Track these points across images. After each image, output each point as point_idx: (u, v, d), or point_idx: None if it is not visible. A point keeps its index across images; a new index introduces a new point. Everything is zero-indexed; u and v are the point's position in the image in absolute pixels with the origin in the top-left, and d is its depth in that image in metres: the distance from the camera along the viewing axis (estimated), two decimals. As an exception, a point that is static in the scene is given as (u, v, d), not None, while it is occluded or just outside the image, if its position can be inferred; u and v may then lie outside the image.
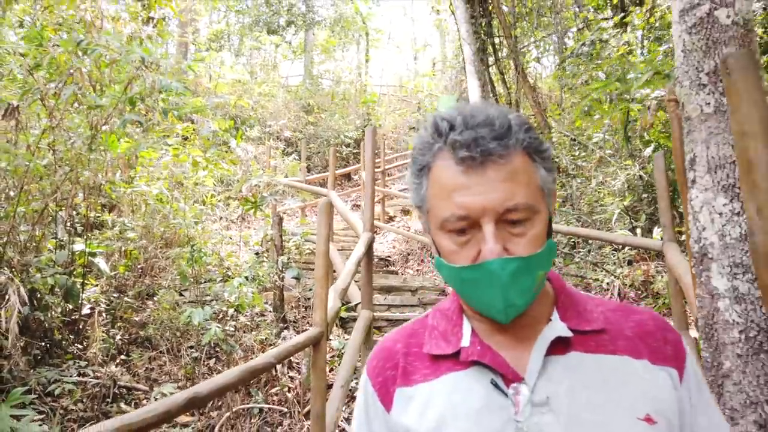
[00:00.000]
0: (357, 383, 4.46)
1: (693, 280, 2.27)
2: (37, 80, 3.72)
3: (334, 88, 19.68)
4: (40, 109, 3.99)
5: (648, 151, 6.69)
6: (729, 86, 1.66)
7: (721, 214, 2.00)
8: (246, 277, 4.93)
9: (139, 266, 6.12)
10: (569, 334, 0.78)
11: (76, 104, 3.77)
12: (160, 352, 5.30)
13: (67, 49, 3.22)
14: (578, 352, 0.78)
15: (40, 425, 3.39)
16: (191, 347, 5.36)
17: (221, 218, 9.55)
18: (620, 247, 6.37)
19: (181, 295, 5.91)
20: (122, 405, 4.51)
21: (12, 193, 3.79)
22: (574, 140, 10.32)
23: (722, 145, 1.94)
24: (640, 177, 6.90)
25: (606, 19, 10.15)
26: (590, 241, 6.94)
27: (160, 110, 4.47)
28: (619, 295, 5.84)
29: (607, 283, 6.01)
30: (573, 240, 7.33)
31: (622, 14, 7.91)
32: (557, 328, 0.79)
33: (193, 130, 6.81)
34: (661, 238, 4.06)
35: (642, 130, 6.17)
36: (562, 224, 7.00)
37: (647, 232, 6.48)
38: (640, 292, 5.69)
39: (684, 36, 2.07)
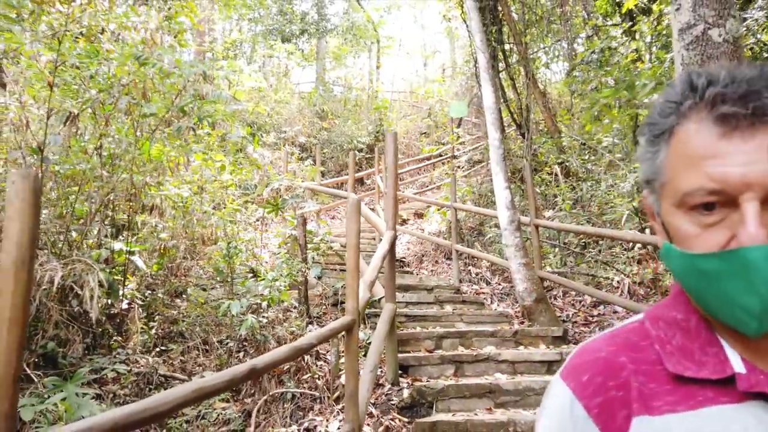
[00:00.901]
0: (384, 370, 4.77)
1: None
2: (90, 91, 4.08)
3: (347, 94, 20.07)
4: (90, 117, 4.34)
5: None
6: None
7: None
8: (280, 274, 5.26)
9: (169, 265, 6.47)
10: None
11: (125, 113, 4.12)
12: (193, 346, 5.63)
13: (124, 62, 3.56)
14: None
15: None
16: (220, 341, 5.69)
17: (241, 221, 9.91)
18: (630, 246, 6.65)
19: (204, 290, 6.25)
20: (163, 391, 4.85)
21: (67, 194, 4.14)
22: (584, 144, 10.61)
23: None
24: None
25: (615, 25, 10.45)
26: (601, 242, 7.21)
27: (196, 117, 4.81)
28: (629, 292, 6.11)
29: (618, 281, 6.28)
30: (584, 240, 7.60)
31: (631, 23, 8.20)
32: None
33: (220, 135, 7.16)
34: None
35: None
36: (573, 224, 7.27)
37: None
38: (649, 289, 5.96)
39: (682, 51, 2.38)
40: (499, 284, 7.77)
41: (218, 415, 4.57)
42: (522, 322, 6.04)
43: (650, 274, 5.93)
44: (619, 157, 8.73)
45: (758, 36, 6.89)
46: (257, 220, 10.33)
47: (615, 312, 5.98)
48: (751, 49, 6.80)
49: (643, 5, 8.06)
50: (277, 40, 19.05)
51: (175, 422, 4.45)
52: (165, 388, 4.97)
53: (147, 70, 3.65)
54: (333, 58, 22.13)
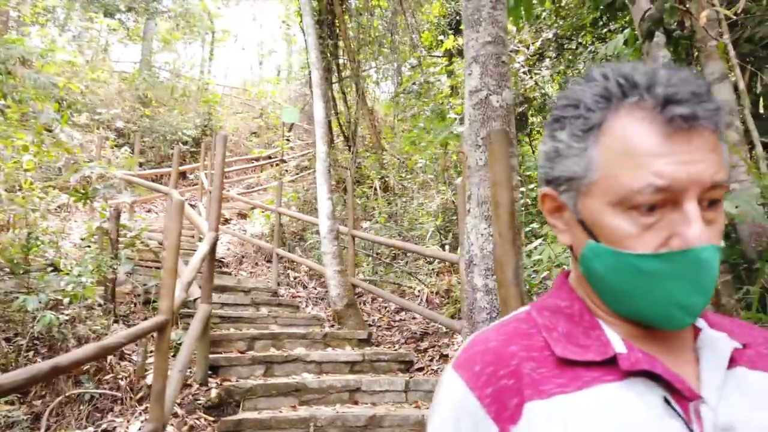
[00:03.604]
0: (193, 370, 4.81)
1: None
2: None
3: (174, 82, 19.09)
4: None
5: (459, 180, 7.95)
6: (491, 150, 2.51)
7: (482, 234, 2.88)
8: (86, 269, 4.99)
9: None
10: (740, 345, 0.68)
11: None
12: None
13: None
14: (744, 368, 0.67)
15: None
16: (7, 339, 5.20)
17: (41, 208, 8.99)
18: (431, 260, 7.48)
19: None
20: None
21: None
22: (403, 163, 11.53)
23: (487, 188, 2.82)
24: (453, 201, 8.14)
25: (437, 57, 11.58)
26: (408, 254, 7.97)
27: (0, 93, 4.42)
28: (426, 300, 6.88)
29: (419, 291, 7.04)
30: (394, 252, 8.32)
31: (448, 62, 9.21)
32: (720, 338, 0.68)
33: (25, 113, 6.52)
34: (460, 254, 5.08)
35: (442, 170, 7.37)
36: (386, 237, 7.94)
37: (454, 248, 7.68)
38: (443, 298, 6.79)
39: (470, 110, 2.96)
40: (315, 289, 8.15)
41: (1, 419, 4.21)
42: (333, 326, 6.46)
43: (445, 285, 6.76)
44: (431, 177, 9.71)
45: (544, 89, 8.26)
46: (58, 208, 9.45)
47: (414, 318, 6.70)
48: (537, 99, 8.13)
49: (459, 47, 9.11)
50: (99, 13, 17.45)
51: (-55, 428, 4.01)
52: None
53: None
54: (162, 41, 20.88)
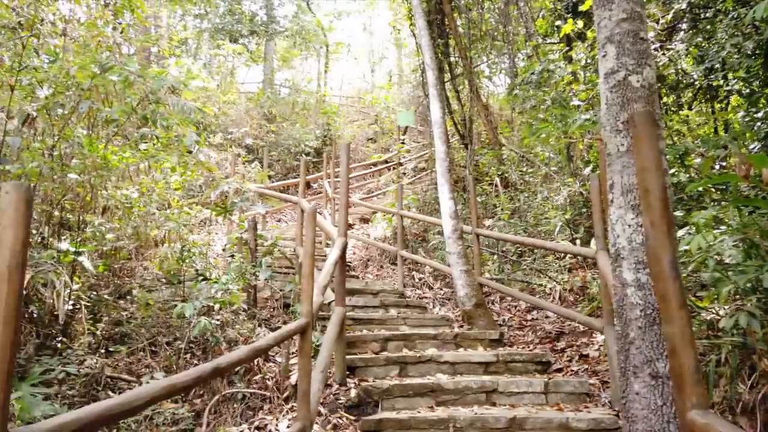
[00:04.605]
0: (332, 371, 5.00)
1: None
2: (42, 91, 4.10)
3: (294, 97, 20.11)
4: (45, 118, 4.35)
5: (587, 170, 7.52)
6: (635, 134, 2.33)
7: (630, 225, 2.68)
8: (232, 277, 5.38)
9: (113, 266, 6.44)
10: None
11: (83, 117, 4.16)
12: (139, 347, 5.65)
13: (86, 68, 3.62)
14: None
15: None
16: (168, 342, 5.75)
17: (188, 224, 9.86)
18: (562, 255, 7.15)
19: (150, 292, 6.27)
20: (110, 393, 4.87)
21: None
22: (523, 157, 11.18)
23: (631, 176, 2.62)
24: (581, 193, 7.73)
25: (554, 43, 11.10)
26: (536, 250, 7.70)
27: (150, 118, 4.89)
28: (559, 298, 6.59)
29: (550, 288, 6.75)
30: (521, 249, 8.07)
31: (568, 47, 8.78)
32: None
33: (171, 138, 7.18)
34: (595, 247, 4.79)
35: (568, 161, 6.98)
36: (510, 234, 7.72)
37: (586, 243, 7.29)
38: (578, 296, 6.46)
39: (607, 93, 2.77)
40: (441, 289, 8.13)
41: (169, 416, 4.65)
42: (462, 326, 6.40)
43: (579, 282, 6.43)
44: (554, 170, 9.31)
45: (678, 65, 7.58)
46: (201, 222, 10.31)
47: (547, 317, 6.44)
48: (671, 77, 7.48)
49: (579, 31, 8.65)
50: (225, 40, 18.87)
51: (124, 423, 4.50)
52: (112, 389, 4.99)
53: (110, 75, 3.71)
54: (281, 59, 22.10)
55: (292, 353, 5.20)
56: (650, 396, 2.50)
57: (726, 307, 3.68)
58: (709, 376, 3.24)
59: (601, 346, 5.16)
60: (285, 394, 4.83)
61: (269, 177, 14.22)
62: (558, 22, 9.68)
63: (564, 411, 4.09)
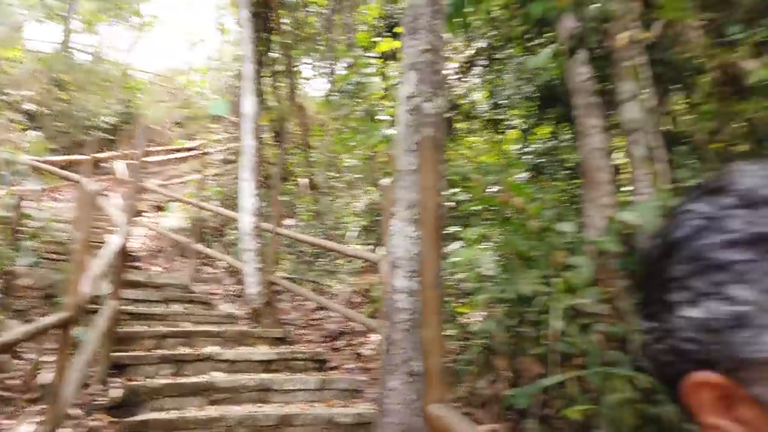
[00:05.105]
0: (96, 369, 4.54)
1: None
2: None
3: (95, 65, 18.06)
4: None
5: (386, 181, 7.98)
6: (422, 157, 2.52)
7: (409, 237, 2.90)
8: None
9: None
10: None
11: None
12: None
13: None
14: None
15: None
16: None
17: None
18: (353, 259, 7.46)
19: None
20: None
21: None
22: (331, 162, 11.47)
23: (416, 192, 2.85)
24: (378, 203, 8.16)
25: (372, 57, 11.59)
26: (330, 253, 7.92)
27: None
28: (347, 300, 6.86)
29: (339, 290, 7.00)
30: (317, 250, 8.24)
31: (382, 65, 9.25)
32: None
33: None
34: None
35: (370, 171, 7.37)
36: (309, 235, 7.85)
37: (379, 249, 7.71)
38: (363, 298, 6.79)
39: (404, 115, 2.99)
40: (232, 286, 7.93)
41: None
42: (248, 324, 6.30)
43: (366, 285, 6.77)
44: (358, 177, 9.70)
45: (472, 97, 8.44)
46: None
47: (331, 317, 6.65)
48: (465, 106, 8.31)
49: (394, 50, 9.16)
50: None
51: None
52: None
53: None
54: (85, 22, 19.70)
55: (48, 350, 4.62)
56: (405, 392, 2.72)
57: (481, 313, 4.17)
58: (459, 374, 3.63)
59: (375, 345, 5.48)
60: (33, 395, 4.25)
61: (51, 150, 12.53)
62: (377, 38, 10.15)
63: (334, 407, 4.25)
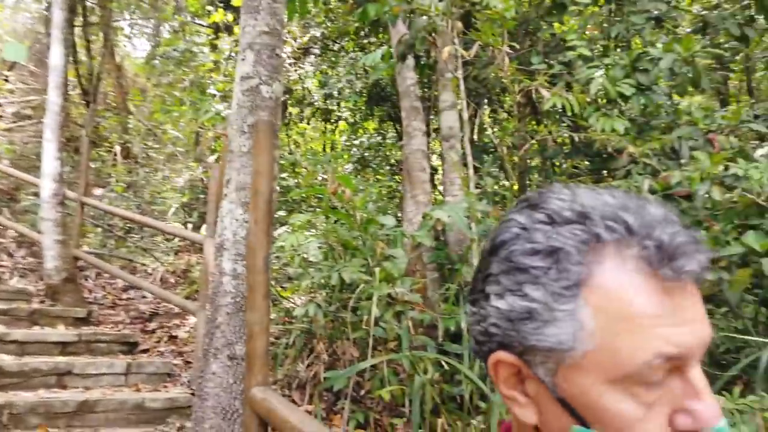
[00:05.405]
0: None
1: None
2: None
3: None
4: None
5: (212, 159, 7.72)
6: (256, 140, 2.55)
7: (237, 220, 2.91)
8: None
9: None
10: None
11: None
12: None
13: None
14: None
15: None
16: None
17: None
18: (171, 237, 7.12)
19: None
20: None
21: None
22: (150, 130, 10.69)
23: (247, 175, 2.86)
24: (201, 180, 7.86)
25: (202, 26, 10.99)
26: (145, 229, 7.45)
27: None
28: (161, 280, 6.54)
29: (153, 269, 6.63)
30: (130, 225, 7.69)
31: (214, 35, 8.87)
32: None
33: None
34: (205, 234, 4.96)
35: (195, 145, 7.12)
36: (122, 208, 7.28)
37: (198, 228, 7.43)
38: (179, 278, 6.53)
39: (239, 95, 2.96)
40: (24, 258, 7.05)
41: None
42: (43, 302, 5.68)
43: (183, 265, 6.52)
44: (181, 151, 9.20)
45: (305, 84, 8.54)
46: None
47: (144, 297, 6.29)
48: (298, 92, 8.37)
49: (228, 23, 8.83)
50: None
51: None
52: None
53: None
54: None
55: None
56: (225, 375, 2.75)
57: (303, 297, 4.32)
58: (278, 357, 3.75)
59: (192, 328, 5.34)
60: None
61: None
62: (210, 8, 9.68)
63: (142, 392, 4.08)
